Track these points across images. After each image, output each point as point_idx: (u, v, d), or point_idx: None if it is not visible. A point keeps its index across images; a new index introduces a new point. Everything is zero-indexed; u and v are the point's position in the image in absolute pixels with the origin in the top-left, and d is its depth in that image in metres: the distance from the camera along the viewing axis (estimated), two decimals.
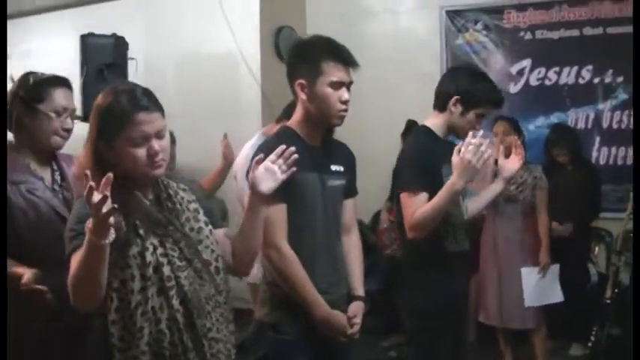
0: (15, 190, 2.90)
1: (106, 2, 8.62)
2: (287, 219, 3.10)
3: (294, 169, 2.62)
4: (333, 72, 3.11)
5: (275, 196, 2.91)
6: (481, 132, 3.42)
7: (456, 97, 3.65)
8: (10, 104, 2.99)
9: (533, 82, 7.07)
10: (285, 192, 2.96)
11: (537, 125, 6.96)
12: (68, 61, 7.04)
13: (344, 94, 3.13)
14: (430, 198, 3.49)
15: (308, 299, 3.08)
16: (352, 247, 3.40)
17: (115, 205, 2.04)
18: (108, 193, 2.02)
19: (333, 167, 3.27)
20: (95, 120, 2.39)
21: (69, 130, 3.07)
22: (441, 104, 3.74)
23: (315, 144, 3.23)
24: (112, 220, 2.07)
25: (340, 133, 7.42)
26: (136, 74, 6.95)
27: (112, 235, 2.12)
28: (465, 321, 4.13)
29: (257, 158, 2.58)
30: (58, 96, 3.03)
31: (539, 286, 5.50)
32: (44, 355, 2.87)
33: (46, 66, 8.54)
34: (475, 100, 3.65)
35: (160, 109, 2.42)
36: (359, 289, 3.33)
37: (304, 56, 3.19)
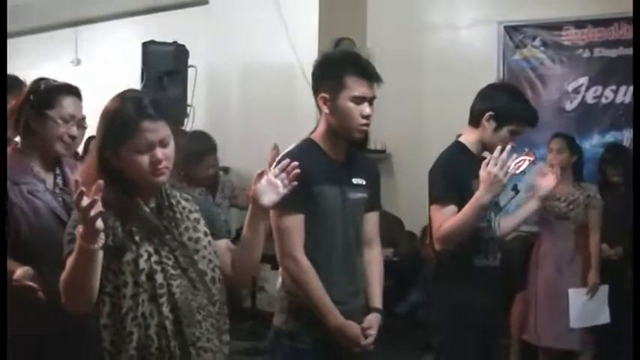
0: (17, 191, 2.97)
1: (169, 11, 8.83)
2: (306, 230, 3.14)
3: (295, 183, 2.62)
4: (356, 87, 3.13)
5: (294, 207, 3.03)
6: (509, 147, 3.42)
7: (489, 113, 3.66)
8: (20, 108, 3.05)
9: (590, 100, 6.97)
10: (303, 203, 3.06)
11: (592, 144, 6.83)
12: (130, 67, 7.22)
13: (365, 108, 3.15)
14: (459, 212, 3.52)
15: (322, 308, 3.11)
16: (372, 259, 3.41)
17: (103, 210, 2.09)
18: (98, 198, 2.07)
19: (355, 180, 3.28)
20: (102, 126, 2.44)
21: (74, 137, 3.12)
22: (475, 120, 3.76)
23: (336, 157, 3.25)
24: (100, 224, 2.12)
25: (399, 146, 7.49)
26: (195, 82, 7.11)
27: (101, 240, 2.17)
28: (496, 338, 4.12)
29: (259, 171, 2.60)
30: (67, 104, 3.07)
31: (586, 307, 5.43)
32: (39, 354, 2.93)
33: (109, 72, 8.82)
34: (508, 116, 3.64)
35: (165, 117, 2.46)
36: (376, 301, 3.33)
37: (328, 70, 3.22)
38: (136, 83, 6.83)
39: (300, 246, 3.13)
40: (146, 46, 6.95)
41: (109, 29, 9.67)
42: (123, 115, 2.39)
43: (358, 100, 3.13)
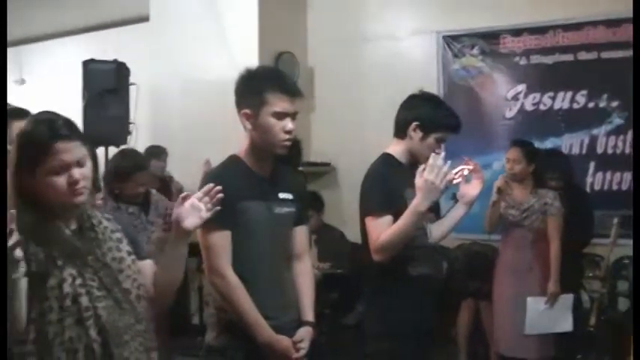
0: None
1: (111, 29, 8.81)
2: (233, 246, 3.15)
3: (218, 208, 2.61)
4: (277, 102, 3.15)
5: (219, 224, 3.02)
6: (443, 154, 3.45)
7: (415, 123, 3.69)
8: None
9: (528, 107, 7.06)
10: (229, 219, 3.06)
11: None
12: (73, 86, 7.18)
13: (288, 124, 3.17)
14: (394, 221, 3.53)
15: (251, 324, 3.12)
16: (303, 273, 3.43)
17: (20, 238, 2.06)
18: (13, 227, 2.04)
19: (282, 195, 3.29)
20: (15, 149, 2.41)
21: None
22: (400, 131, 3.78)
23: (262, 172, 3.27)
24: (19, 253, 2.08)
25: (344, 158, 7.51)
26: (137, 99, 7.10)
27: (22, 268, 2.13)
28: (434, 346, 4.13)
29: (183, 195, 2.60)
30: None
31: (544, 315, 5.41)
32: None
33: (53, 91, 8.72)
34: (433, 124, 3.67)
35: (80, 137, 2.43)
36: (308, 315, 3.36)
37: (249, 86, 3.24)
38: (78, 102, 6.80)
39: (227, 262, 3.14)
40: (86, 64, 6.92)
41: (52, 48, 9.63)
42: (35, 137, 2.35)
43: (280, 115, 3.15)
